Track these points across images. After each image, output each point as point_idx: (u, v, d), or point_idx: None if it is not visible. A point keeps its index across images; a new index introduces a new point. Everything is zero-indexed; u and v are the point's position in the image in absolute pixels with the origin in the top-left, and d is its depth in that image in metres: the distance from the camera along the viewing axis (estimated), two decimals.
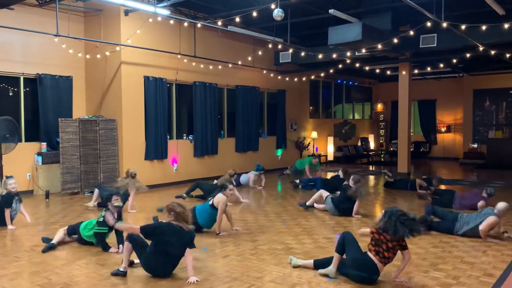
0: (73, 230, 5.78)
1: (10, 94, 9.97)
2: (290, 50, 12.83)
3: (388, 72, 16.81)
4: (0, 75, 9.52)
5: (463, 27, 9.04)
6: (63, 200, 9.22)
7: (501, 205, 6.04)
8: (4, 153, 8.84)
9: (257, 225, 6.92)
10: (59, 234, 5.72)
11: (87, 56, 10.68)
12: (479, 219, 6.06)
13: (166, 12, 8.96)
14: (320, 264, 4.68)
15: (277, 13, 7.35)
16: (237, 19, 9.45)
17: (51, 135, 10.16)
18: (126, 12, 10.02)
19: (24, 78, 9.92)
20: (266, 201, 9.12)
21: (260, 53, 12.76)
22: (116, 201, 5.56)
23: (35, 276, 4.63)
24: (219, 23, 9.49)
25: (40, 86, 10.02)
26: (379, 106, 21.06)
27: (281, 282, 4.42)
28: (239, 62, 12.48)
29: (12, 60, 9.63)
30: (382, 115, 21.11)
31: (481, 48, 10.77)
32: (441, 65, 14.82)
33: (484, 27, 9.19)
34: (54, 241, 5.61)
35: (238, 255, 5.34)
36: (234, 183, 9.47)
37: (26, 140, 9.96)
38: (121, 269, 4.59)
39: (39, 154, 9.92)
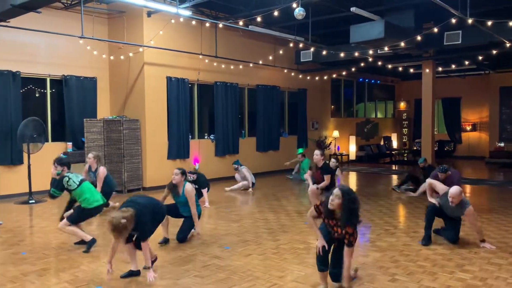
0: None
1: (37, 95, 10.24)
2: (311, 49, 12.76)
3: (411, 70, 16.54)
4: (27, 76, 9.79)
5: (489, 23, 8.83)
6: None
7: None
8: (32, 153, 9.08)
9: (279, 224, 6.93)
10: (77, 230, 5.63)
11: (111, 57, 10.88)
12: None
13: (188, 13, 9.04)
14: (334, 273, 4.25)
15: (298, 12, 7.33)
16: (258, 19, 9.46)
17: (77, 135, 10.40)
18: (149, 14, 10.15)
19: (50, 79, 10.18)
20: (288, 200, 9.11)
21: (281, 52, 12.75)
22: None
23: (62, 272, 4.75)
24: (240, 23, 9.53)
25: (65, 87, 10.26)
26: (402, 105, 20.78)
27: (303, 282, 4.42)
28: (260, 62, 12.50)
29: (39, 62, 9.89)
30: (405, 114, 20.81)
31: (507, 45, 10.51)
32: (466, 62, 14.52)
33: (511, 23, 8.96)
34: (89, 237, 5.60)
35: (260, 254, 5.36)
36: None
37: (52, 140, 10.23)
38: (133, 269, 4.63)
39: (65, 153, 10.14)
